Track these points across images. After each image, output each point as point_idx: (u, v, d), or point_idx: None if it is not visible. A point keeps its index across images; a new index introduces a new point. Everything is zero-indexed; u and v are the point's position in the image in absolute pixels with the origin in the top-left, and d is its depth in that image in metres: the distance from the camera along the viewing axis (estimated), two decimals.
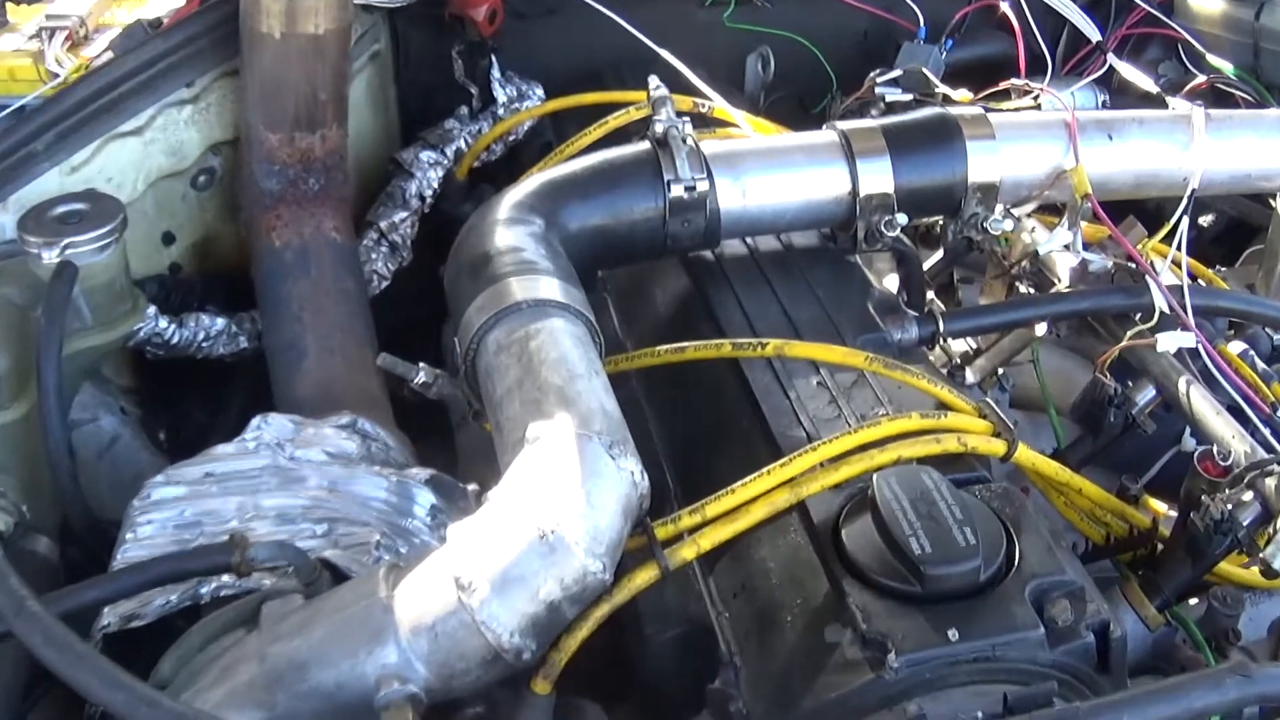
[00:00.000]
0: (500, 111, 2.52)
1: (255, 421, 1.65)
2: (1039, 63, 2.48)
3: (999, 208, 1.89)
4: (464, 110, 2.51)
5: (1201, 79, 2.60)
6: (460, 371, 1.51)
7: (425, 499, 1.62)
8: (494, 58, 2.50)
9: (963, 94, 2.27)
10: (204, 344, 2.02)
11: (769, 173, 1.81)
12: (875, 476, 1.34)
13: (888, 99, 2.40)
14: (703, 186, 1.74)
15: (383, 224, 2.31)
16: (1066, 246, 1.86)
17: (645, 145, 1.78)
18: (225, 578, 1.37)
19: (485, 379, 1.45)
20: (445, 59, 2.50)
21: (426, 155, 2.41)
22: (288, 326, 1.95)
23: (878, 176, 1.82)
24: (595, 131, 2.10)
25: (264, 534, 1.45)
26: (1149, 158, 1.97)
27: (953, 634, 1.19)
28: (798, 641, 1.28)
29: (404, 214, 2.34)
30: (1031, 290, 1.96)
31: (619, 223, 1.74)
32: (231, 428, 2.09)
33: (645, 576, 1.31)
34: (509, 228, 1.63)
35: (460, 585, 1.18)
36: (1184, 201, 1.94)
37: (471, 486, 1.73)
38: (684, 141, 1.75)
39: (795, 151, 1.85)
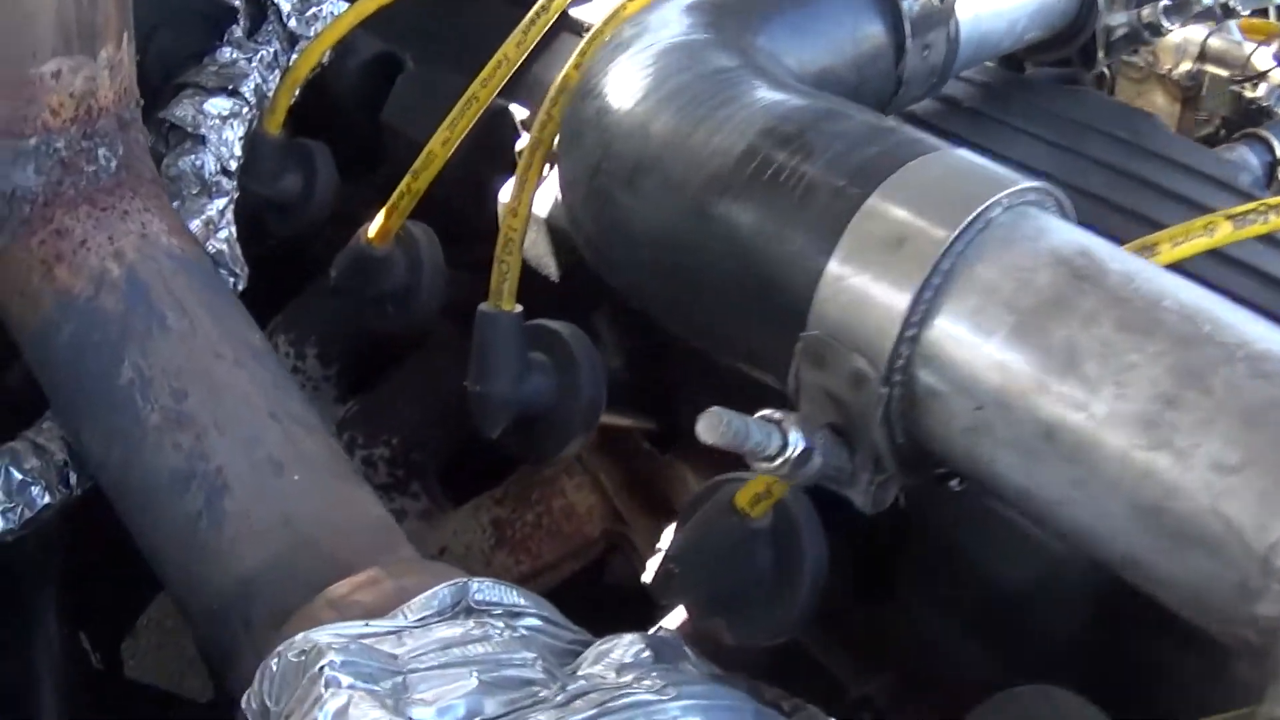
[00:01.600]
0: (291, 24, 1.56)
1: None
2: None
3: None
4: (237, 31, 1.53)
5: None
6: (878, 412, 0.64)
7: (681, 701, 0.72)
8: None
9: None
10: None
11: None
12: None
13: None
14: None
15: (194, 225, 1.31)
16: None
17: None
18: None
19: (1019, 415, 0.60)
20: None
21: (215, 106, 1.42)
22: (158, 444, 0.93)
23: None
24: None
25: None
26: None
27: None
28: None
29: (220, 203, 1.34)
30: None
31: (842, 63, 0.92)
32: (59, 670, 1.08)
33: None
34: (729, 86, 0.77)
35: None
36: None
37: (664, 630, 0.92)
38: None
39: None
